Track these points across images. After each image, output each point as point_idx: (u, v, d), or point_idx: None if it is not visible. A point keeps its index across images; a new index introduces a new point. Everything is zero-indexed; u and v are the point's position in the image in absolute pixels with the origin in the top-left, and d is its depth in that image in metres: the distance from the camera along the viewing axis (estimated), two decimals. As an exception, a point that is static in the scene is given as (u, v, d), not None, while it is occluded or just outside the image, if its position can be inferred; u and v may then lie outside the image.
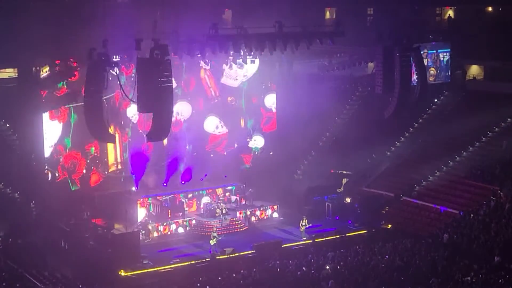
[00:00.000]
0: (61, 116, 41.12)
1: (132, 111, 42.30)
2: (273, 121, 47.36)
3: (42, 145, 40.21)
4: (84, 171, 42.11)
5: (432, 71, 49.80)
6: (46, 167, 40.72)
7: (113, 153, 43.20)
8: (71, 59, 37.99)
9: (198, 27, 36.54)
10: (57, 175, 41.41)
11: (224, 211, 41.96)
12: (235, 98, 46.11)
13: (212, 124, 45.53)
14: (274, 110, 47.24)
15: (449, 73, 50.73)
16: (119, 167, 43.30)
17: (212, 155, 45.66)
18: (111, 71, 33.55)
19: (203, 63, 44.28)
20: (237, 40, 36.57)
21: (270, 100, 47.28)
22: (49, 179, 40.96)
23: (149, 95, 31.55)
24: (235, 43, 36.57)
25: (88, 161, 42.35)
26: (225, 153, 45.95)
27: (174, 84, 41.29)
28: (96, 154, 42.57)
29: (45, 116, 40.38)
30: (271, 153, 47.04)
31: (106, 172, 43.01)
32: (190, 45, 35.73)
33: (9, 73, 42.81)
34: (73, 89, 39.94)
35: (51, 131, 40.91)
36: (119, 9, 44.49)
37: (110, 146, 42.61)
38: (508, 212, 38.77)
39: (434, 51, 50.23)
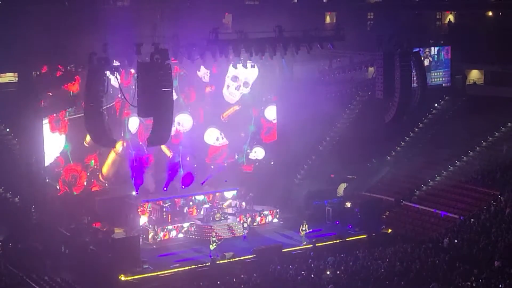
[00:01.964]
0: (61, 127, 40.98)
1: (132, 123, 42.52)
2: (273, 131, 47.30)
3: (42, 149, 40.17)
4: (85, 183, 42.20)
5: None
6: (47, 180, 40.58)
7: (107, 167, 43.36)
8: (72, 64, 37.96)
9: (198, 31, 36.58)
10: (58, 187, 41.42)
11: (245, 225, 41.49)
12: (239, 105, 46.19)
13: (213, 136, 45.57)
14: (274, 121, 47.27)
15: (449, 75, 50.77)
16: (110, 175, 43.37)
17: (212, 167, 45.66)
18: (111, 75, 33.50)
19: (204, 74, 44.51)
20: (237, 45, 36.57)
21: (271, 112, 47.35)
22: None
23: (149, 100, 31.55)
24: (236, 47, 36.58)
25: (88, 174, 42.40)
26: (225, 164, 45.95)
27: (175, 96, 41.54)
28: (95, 167, 42.64)
29: (46, 128, 40.24)
30: (272, 163, 46.90)
31: (106, 185, 43.10)
32: (190, 50, 35.77)
33: (10, 77, 42.82)
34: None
35: (53, 143, 40.77)
36: (119, 13, 44.50)
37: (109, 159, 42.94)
38: (508, 216, 38.75)
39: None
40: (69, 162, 41.76)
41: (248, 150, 46.78)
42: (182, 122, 44.16)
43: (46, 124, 40.38)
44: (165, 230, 40.99)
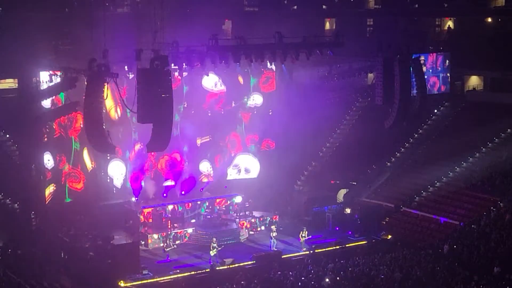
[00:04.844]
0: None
1: None
2: (272, 81, 46.18)
3: (42, 155, 40.19)
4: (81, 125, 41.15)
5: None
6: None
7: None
8: (71, 70, 38.01)
9: (198, 37, 36.64)
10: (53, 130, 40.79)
11: (274, 234, 40.56)
12: None
13: (211, 81, 44.45)
14: (273, 69, 46.05)
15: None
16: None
17: (209, 114, 44.82)
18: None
19: (206, 168, 45.02)
20: (237, 51, 36.61)
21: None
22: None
23: (149, 106, 31.56)
24: (235, 53, 36.62)
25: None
26: (222, 111, 45.15)
27: None
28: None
29: None
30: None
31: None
32: (190, 56, 35.81)
33: (10, 83, 42.91)
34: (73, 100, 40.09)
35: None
36: (119, 20, 44.63)
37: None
38: (508, 223, 38.74)
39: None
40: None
41: (246, 99, 45.87)
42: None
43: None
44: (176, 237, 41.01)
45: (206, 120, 44.64)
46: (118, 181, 42.27)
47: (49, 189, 40.62)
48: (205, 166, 44.96)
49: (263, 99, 45.87)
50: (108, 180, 42.27)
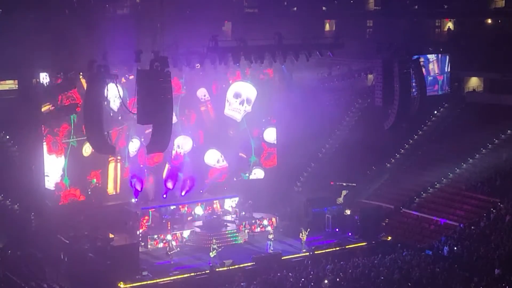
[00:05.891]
0: (59, 150, 40.84)
1: (133, 145, 42.91)
2: (274, 156, 47.53)
3: (42, 156, 40.18)
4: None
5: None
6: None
7: (112, 183, 43.25)
8: (71, 71, 37.99)
9: (198, 39, 36.64)
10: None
11: (270, 236, 40.42)
12: (235, 131, 46.45)
13: (213, 158, 45.74)
14: (274, 145, 47.35)
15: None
16: (118, 191, 43.39)
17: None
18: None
19: (203, 94, 44.78)
20: (237, 52, 36.60)
21: (271, 134, 47.44)
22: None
23: (149, 107, 31.57)
24: (235, 54, 36.61)
25: (89, 192, 42.05)
26: (225, 188, 45.87)
27: (175, 119, 41.87)
28: (97, 184, 42.28)
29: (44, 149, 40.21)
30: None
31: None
32: (190, 57, 35.82)
33: (10, 84, 42.86)
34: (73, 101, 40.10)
35: (52, 166, 40.73)
36: (119, 21, 44.63)
37: (110, 176, 42.86)
38: (508, 224, 38.75)
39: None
40: (68, 186, 41.43)
41: (248, 174, 46.91)
42: (182, 144, 44.36)
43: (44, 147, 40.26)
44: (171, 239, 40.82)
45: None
46: (114, 104, 41.52)
47: (45, 108, 40.26)
48: (202, 92, 44.92)
49: (264, 174, 46.91)
50: (106, 103, 41.62)
